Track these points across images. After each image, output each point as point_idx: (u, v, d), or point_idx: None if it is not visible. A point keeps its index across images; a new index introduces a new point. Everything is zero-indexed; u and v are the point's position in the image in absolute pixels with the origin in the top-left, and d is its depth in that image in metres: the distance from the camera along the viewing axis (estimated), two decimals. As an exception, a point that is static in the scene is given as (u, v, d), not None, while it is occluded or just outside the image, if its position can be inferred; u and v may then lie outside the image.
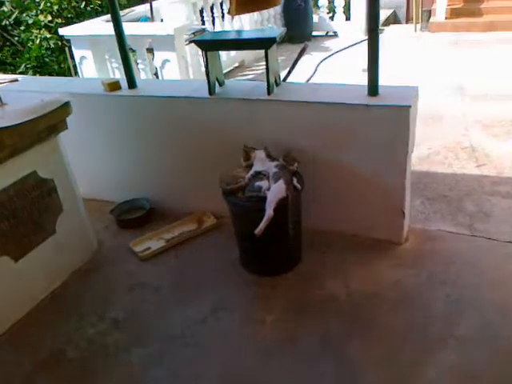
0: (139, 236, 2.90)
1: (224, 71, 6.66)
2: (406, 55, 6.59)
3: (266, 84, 2.59)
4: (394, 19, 9.55)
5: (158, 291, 2.50)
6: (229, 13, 6.55)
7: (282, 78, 2.78)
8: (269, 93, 2.55)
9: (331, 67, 6.55)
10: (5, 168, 2.18)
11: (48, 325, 2.34)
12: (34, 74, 6.22)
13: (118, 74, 5.00)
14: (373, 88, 2.39)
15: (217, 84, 2.70)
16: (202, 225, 2.97)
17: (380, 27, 7.79)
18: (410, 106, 2.26)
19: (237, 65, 6.93)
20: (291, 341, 2.14)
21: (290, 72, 2.94)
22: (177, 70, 4.62)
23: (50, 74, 6.28)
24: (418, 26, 8.08)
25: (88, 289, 2.57)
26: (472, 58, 6.28)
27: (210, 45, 2.52)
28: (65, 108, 2.39)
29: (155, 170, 3.07)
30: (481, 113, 4.47)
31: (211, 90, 2.64)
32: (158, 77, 4.97)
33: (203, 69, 5.37)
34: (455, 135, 4.06)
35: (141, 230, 2.99)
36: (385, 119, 2.33)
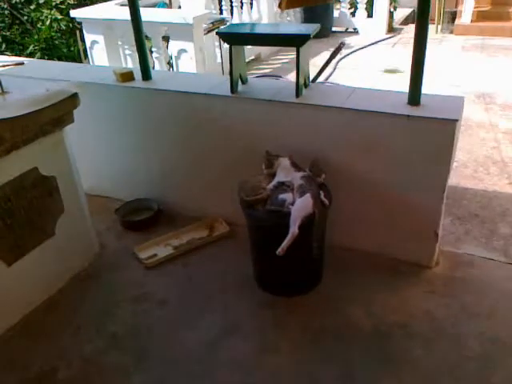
0: (144, 239, 2.69)
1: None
2: (428, 58, 6.31)
3: (293, 85, 2.35)
4: (413, 19, 9.22)
5: (162, 306, 2.28)
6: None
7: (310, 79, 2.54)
8: (297, 95, 2.31)
9: (350, 66, 6.30)
10: (2, 164, 1.96)
11: (41, 337, 2.13)
12: (43, 57, 5.97)
13: (131, 62, 4.76)
14: (415, 96, 2.15)
15: (239, 81, 2.47)
16: (214, 232, 2.75)
17: (397, 26, 7.47)
18: (456, 120, 2.02)
19: (253, 57, 6.66)
20: (309, 375, 1.92)
21: (320, 72, 2.70)
22: (193, 61, 4.37)
23: (59, 58, 6.03)
24: (440, 27, 7.79)
25: (87, 297, 2.35)
26: (499, 64, 6.01)
27: (237, 38, 2.28)
28: (72, 100, 2.16)
29: (166, 169, 2.85)
30: (511, 124, 4.22)
31: (234, 88, 2.40)
32: (171, 66, 4.72)
33: (219, 61, 5.13)
34: (484, 147, 3.81)
35: (147, 232, 2.77)
36: (427, 133, 2.10)
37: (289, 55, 6.65)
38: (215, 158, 2.64)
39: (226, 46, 5.20)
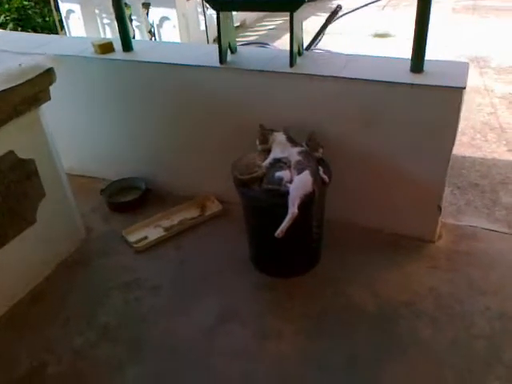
0: (133, 221, 2.56)
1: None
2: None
3: (286, 53, 2.19)
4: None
5: (155, 292, 2.17)
6: None
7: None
8: (291, 64, 2.15)
9: (337, 31, 6.06)
10: (-26, 148, 1.80)
11: (27, 330, 2.01)
12: (15, 28, 5.64)
13: (110, 32, 4.50)
14: (418, 63, 2.01)
15: (228, 51, 2.30)
16: (206, 211, 2.62)
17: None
18: (464, 88, 1.89)
19: (238, 24, 6.40)
20: (313, 362, 1.83)
21: (315, 39, 2.52)
22: (177, 29, 4.13)
23: (34, 29, 5.71)
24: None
25: (75, 286, 2.23)
26: (491, 25, 5.85)
27: (225, 4, 2.09)
28: (48, 75, 1.98)
29: (153, 145, 2.68)
30: (506, 88, 4.11)
31: (222, 58, 2.23)
32: (153, 36, 4.48)
33: (203, 28, 4.89)
34: (481, 113, 3.70)
35: (135, 214, 2.64)
36: (432, 102, 1.97)
37: (275, 21, 6.41)
38: (205, 133, 2.49)
39: (210, 12, 4.96)
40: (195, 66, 2.29)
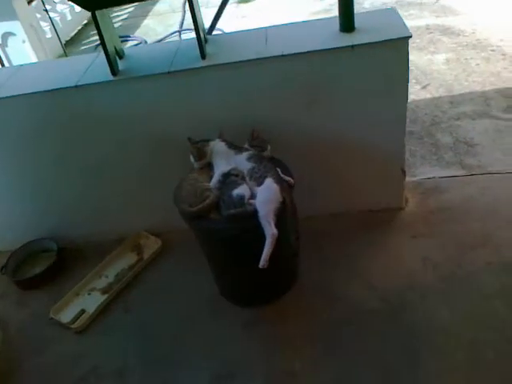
0: (58, 294, 2.04)
1: (70, 35, 5.42)
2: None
3: (182, 45, 1.82)
4: None
5: (123, 376, 1.71)
6: None
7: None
8: (203, 56, 1.75)
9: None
10: None
11: None
12: None
13: None
14: (349, 21, 1.73)
15: (116, 57, 1.83)
16: (144, 253, 2.17)
17: None
18: (410, 37, 1.65)
19: (85, 22, 5.67)
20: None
21: (215, 21, 2.12)
22: (27, 44, 3.39)
23: None
24: None
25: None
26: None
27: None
28: None
29: (50, 193, 2.14)
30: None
31: (114, 68, 1.76)
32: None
33: (49, 36, 4.18)
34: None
35: (57, 284, 2.12)
36: (378, 60, 1.71)
37: (126, 9, 5.80)
38: (115, 164, 2.02)
39: (55, 14, 4.26)
40: (82, 86, 1.78)
